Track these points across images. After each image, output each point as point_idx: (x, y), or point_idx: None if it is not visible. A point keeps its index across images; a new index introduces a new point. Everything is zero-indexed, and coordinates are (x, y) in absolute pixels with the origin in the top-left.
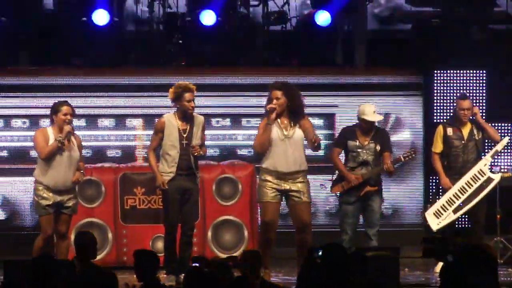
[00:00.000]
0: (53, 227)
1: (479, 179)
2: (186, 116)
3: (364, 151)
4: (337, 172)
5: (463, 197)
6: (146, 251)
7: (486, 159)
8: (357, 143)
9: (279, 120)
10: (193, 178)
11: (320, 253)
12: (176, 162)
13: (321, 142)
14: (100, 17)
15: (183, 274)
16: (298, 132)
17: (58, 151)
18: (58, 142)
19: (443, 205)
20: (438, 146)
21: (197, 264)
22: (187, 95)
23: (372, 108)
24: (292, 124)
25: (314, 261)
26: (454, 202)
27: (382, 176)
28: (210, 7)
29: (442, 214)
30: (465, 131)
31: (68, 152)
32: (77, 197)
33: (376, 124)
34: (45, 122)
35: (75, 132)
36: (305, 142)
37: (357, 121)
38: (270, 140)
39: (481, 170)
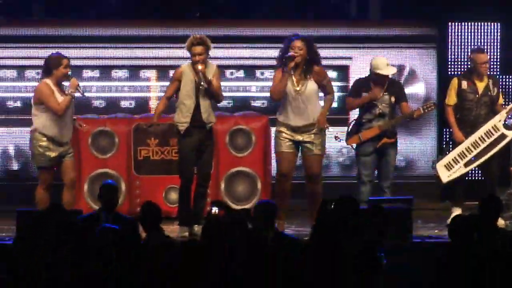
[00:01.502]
0: (53, 176)
1: (493, 134)
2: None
3: (380, 103)
4: (351, 123)
5: (475, 152)
6: (148, 203)
7: (501, 115)
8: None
9: (293, 72)
10: (211, 130)
11: (333, 206)
12: (191, 112)
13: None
14: None
15: (196, 225)
16: (310, 86)
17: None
18: (72, 97)
19: (455, 158)
20: (451, 99)
21: (217, 209)
22: (194, 49)
23: (385, 61)
24: (305, 77)
25: (327, 212)
26: (466, 156)
27: (398, 127)
28: None
29: (453, 167)
30: (481, 85)
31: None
32: None
33: (390, 76)
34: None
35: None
36: (321, 94)
37: (370, 74)
38: (285, 91)
39: (495, 125)
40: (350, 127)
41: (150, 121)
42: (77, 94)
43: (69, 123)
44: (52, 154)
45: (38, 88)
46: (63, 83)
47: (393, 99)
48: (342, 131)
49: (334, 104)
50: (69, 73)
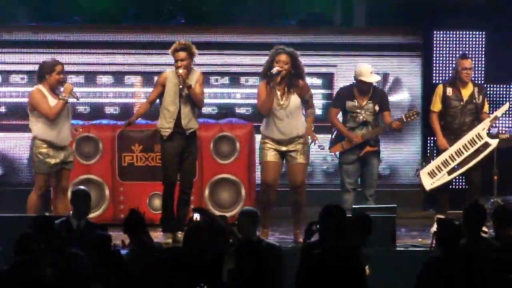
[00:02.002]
0: (49, 183)
1: (476, 143)
2: (186, 75)
3: (363, 111)
4: (335, 131)
5: (458, 160)
6: (132, 211)
7: (485, 124)
8: (356, 103)
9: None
10: (192, 136)
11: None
12: (174, 118)
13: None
14: None
15: (179, 232)
16: (294, 100)
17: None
18: (64, 102)
19: (438, 165)
20: (436, 106)
21: (198, 216)
22: (177, 55)
23: (369, 69)
24: (289, 91)
25: (313, 233)
26: (449, 164)
27: (381, 135)
28: None
29: (437, 175)
30: (466, 92)
31: (66, 108)
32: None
33: (374, 84)
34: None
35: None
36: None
37: (354, 81)
38: None
39: (479, 134)
40: (333, 135)
41: (128, 120)
42: (72, 100)
43: (67, 128)
44: (53, 161)
45: (31, 95)
46: (60, 88)
47: (377, 107)
48: (325, 139)
49: (318, 112)
50: (63, 78)
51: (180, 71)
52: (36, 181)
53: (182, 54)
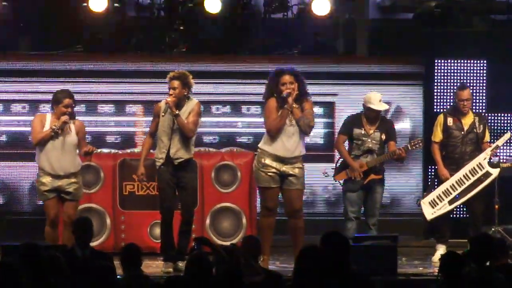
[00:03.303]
0: (56, 212)
1: (477, 172)
2: (175, 104)
3: (369, 140)
4: (340, 159)
5: (460, 189)
6: (130, 246)
7: (487, 153)
8: (363, 131)
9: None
10: (187, 165)
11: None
12: (166, 148)
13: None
14: (97, 3)
15: (180, 262)
16: None
17: (51, 138)
18: (51, 130)
19: (439, 195)
20: (437, 135)
21: (197, 247)
22: (171, 84)
23: (378, 97)
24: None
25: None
26: (451, 193)
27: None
28: None
29: (438, 204)
30: (466, 122)
31: (61, 138)
32: (80, 183)
33: (382, 113)
34: (45, 108)
35: (76, 117)
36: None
37: (362, 110)
38: None
39: (480, 163)
40: (338, 162)
41: (139, 171)
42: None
43: (60, 157)
44: (45, 188)
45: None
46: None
47: (383, 136)
48: (328, 167)
49: (319, 140)
50: (69, 112)
51: (169, 99)
52: (44, 210)
53: (175, 83)
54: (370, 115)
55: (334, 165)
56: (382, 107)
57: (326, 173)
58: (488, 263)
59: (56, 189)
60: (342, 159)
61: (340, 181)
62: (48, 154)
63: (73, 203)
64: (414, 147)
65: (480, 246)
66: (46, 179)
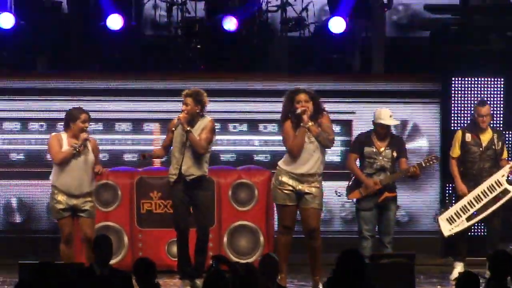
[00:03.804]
0: (71, 230)
1: (496, 189)
2: (188, 121)
3: (381, 157)
4: (353, 177)
5: (477, 206)
6: (142, 259)
7: (505, 170)
8: (374, 149)
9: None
10: (200, 183)
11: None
12: (179, 164)
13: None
14: (114, 21)
15: (198, 280)
16: None
17: (72, 157)
18: (73, 148)
19: (457, 211)
20: (455, 151)
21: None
22: (184, 101)
23: (388, 113)
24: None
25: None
26: (468, 210)
27: (399, 181)
28: (230, 13)
29: (455, 221)
30: (485, 138)
31: (83, 157)
32: (94, 201)
33: (392, 130)
34: (62, 126)
35: (89, 135)
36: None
37: (372, 127)
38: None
39: (498, 180)
40: (351, 181)
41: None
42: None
43: (80, 176)
44: (60, 206)
45: (48, 139)
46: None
47: (395, 153)
48: (342, 186)
49: (336, 158)
50: (86, 127)
51: (180, 115)
52: (59, 228)
53: (187, 100)
54: (380, 132)
55: (346, 183)
56: (393, 122)
57: (339, 192)
58: (508, 280)
59: (72, 207)
60: (354, 177)
61: (353, 199)
62: (69, 173)
63: (89, 220)
64: (427, 164)
65: (499, 263)
66: (61, 197)
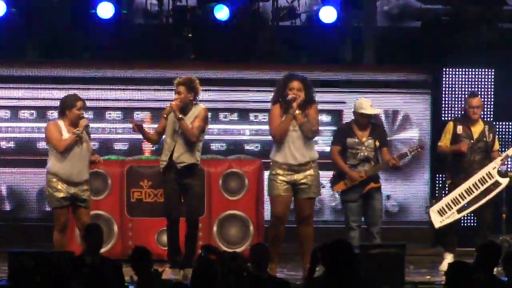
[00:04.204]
0: (67, 219)
1: (487, 181)
2: (180, 108)
3: (364, 148)
4: (336, 170)
5: (468, 198)
6: (139, 248)
7: (496, 163)
8: (356, 140)
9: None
10: (191, 171)
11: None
12: (170, 151)
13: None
14: (105, 10)
15: (187, 268)
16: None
17: (75, 144)
18: (76, 136)
19: (448, 203)
20: (444, 141)
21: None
22: (177, 89)
23: (369, 102)
24: (302, 114)
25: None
26: (459, 202)
27: (385, 172)
28: (221, 2)
29: (446, 213)
30: (476, 130)
31: (82, 144)
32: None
33: (383, 121)
34: (53, 114)
35: None
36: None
37: (353, 118)
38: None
39: (489, 172)
40: (335, 173)
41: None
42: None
43: (81, 163)
44: (61, 195)
45: (46, 128)
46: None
47: (377, 143)
48: (328, 176)
49: (327, 149)
50: (83, 114)
51: (173, 102)
52: (54, 215)
53: (180, 88)
54: (362, 122)
55: (330, 176)
56: (374, 111)
57: (322, 184)
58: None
59: (72, 196)
60: (339, 170)
61: (338, 191)
62: (69, 161)
63: (87, 210)
64: (412, 153)
65: (487, 254)
66: (61, 186)
